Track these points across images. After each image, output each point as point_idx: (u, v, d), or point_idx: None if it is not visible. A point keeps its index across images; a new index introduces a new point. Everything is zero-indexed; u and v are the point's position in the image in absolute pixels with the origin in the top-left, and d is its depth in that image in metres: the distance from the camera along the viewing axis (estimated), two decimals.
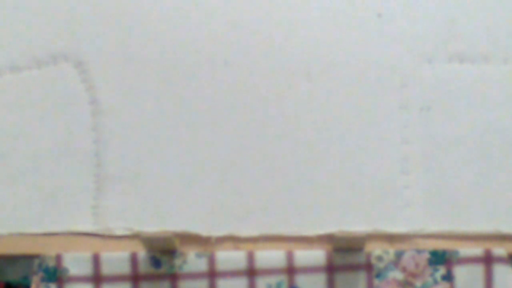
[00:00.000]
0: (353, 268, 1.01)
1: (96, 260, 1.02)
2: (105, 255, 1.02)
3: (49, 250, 1.03)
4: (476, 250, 1.00)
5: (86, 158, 1.06)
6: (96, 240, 1.04)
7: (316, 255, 1.01)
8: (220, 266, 1.01)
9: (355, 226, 1.02)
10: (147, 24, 1.09)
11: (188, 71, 1.07)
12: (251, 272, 1.01)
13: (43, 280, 1.01)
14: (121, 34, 1.09)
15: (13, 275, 1.08)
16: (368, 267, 1.01)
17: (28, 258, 1.04)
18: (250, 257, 1.01)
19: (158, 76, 1.08)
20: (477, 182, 1.03)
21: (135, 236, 1.02)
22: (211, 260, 1.01)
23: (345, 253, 1.01)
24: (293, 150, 1.05)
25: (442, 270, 1.00)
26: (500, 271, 0.99)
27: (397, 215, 1.03)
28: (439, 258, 1.00)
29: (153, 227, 1.03)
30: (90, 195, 1.05)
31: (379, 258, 1.01)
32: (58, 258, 1.02)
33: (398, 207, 1.03)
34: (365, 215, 1.03)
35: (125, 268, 1.01)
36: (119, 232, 1.04)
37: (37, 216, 1.05)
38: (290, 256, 1.01)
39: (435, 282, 1.00)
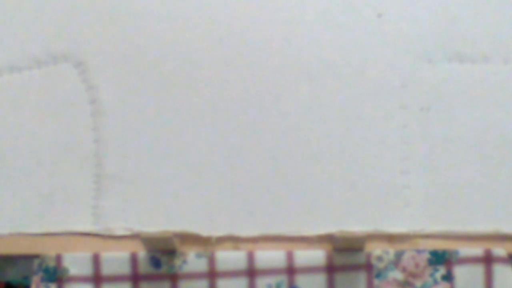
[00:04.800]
0: (353, 268, 1.01)
1: (96, 260, 1.02)
2: (105, 255, 1.02)
3: (49, 250, 1.03)
4: (476, 250, 1.00)
5: (86, 158, 1.06)
6: (96, 240, 1.04)
7: (316, 255, 1.01)
8: (220, 266, 1.01)
9: (355, 226, 1.02)
10: (147, 24, 1.09)
11: (188, 71, 1.08)
12: (251, 272, 1.01)
13: (43, 280, 1.01)
14: (121, 34, 1.09)
15: (13, 275, 1.08)
16: (368, 267, 1.01)
17: (28, 258, 1.04)
18: (250, 257, 1.01)
19: (158, 76, 1.08)
20: (477, 182, 1.03)
21: (135, 236, 1.02)
22: (211, 260, 1.01)
23: (345, 253, 1.01)
24: (293, 150, 1.05)
25: (442, 270, 1.00)
26: (500, 271, 0.99)
27: (397, 215, 1.03)
28: (439, 258, 1.00)
29: (153, 227, 1.02)
30: (90, 195, 1.05)
31: (379, 258, 1.01)
32: (58, 258, 1.02)
33: (398, 207, 1.03)
34: (365, 215, 1.03)
35: (125, 268, 1.01)
36: (119, 232, 1.04)
37: (37, 216, 1.05)
38: (290, 256, 1.01)
39: (435, 282, 1.00)
